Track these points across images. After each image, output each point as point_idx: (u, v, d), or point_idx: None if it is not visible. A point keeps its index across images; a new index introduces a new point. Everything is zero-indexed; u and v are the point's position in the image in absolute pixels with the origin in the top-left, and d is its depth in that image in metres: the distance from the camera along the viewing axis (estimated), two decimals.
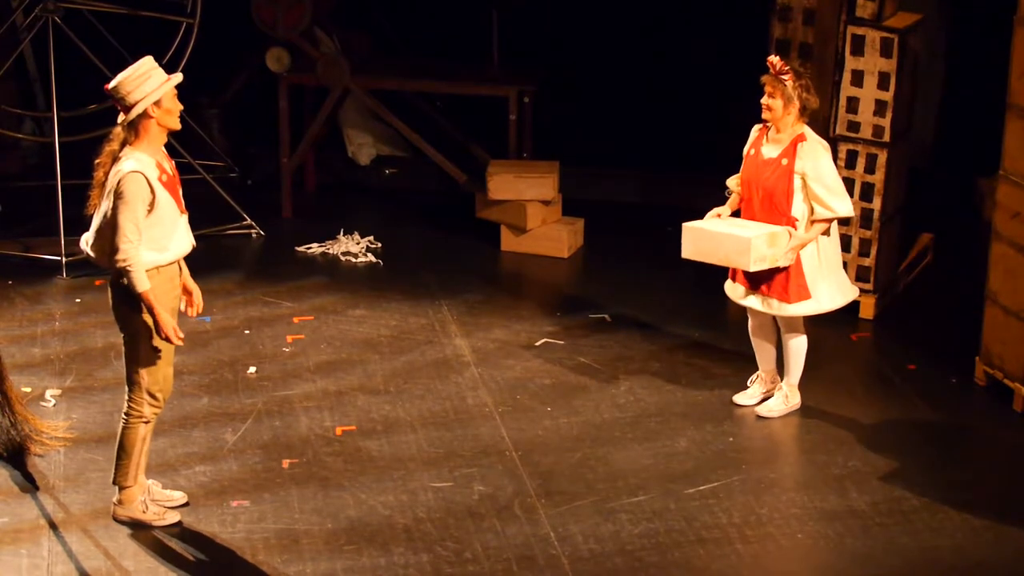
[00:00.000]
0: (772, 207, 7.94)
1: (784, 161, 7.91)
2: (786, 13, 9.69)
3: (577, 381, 8.81)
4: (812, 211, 7.92)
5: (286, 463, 7.86)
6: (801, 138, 7.92)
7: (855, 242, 9.51)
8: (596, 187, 11.81)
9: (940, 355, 9.07)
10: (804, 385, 8.49)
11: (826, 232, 8.00)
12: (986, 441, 8.18)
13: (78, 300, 9.85)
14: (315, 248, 10.84)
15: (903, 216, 9.89)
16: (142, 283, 6.79)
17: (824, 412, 8.42)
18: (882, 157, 9.37)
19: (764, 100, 7.92)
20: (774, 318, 8.23)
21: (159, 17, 11.29)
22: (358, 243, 10.86)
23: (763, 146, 8.02)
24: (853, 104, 9.36)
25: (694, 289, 9.91)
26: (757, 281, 8.03)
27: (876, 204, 9.43)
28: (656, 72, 12.34)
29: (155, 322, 6.87)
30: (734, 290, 8.21)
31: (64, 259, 10.25)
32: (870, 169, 9.40)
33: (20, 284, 10.11)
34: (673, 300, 9.88)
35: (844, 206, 7.94)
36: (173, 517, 7.29)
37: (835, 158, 9.47)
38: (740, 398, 8.47)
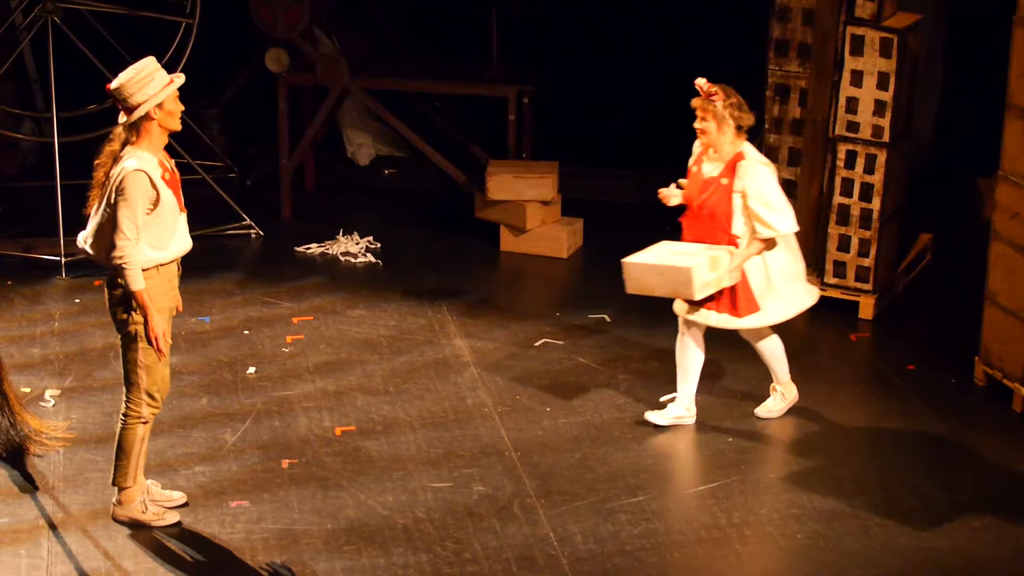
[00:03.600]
0: (713, 225, 7.81)
1: (724, 181, 7.77)
2: (785, 13, 9.69)
3: (577, 381, 8.81)
4: (754, 230, 7.76)
5: (285, 463, 7.86)
6: (740, 157, 7.77)
7: (855, 242, 9.51)
8: (596, 187, 11.81)
9: (940, 355, 9.07)
10: (804, 385, 8.49)
11: (770, 248, 7.82)
12: (986, 441, 8.17)
13: (77, 300, 9.85)
14: (314, 248, 10.84)
15: (903, 216, 9.89)
16: (137, 281, 6.79)
17: (824, 412, 8.42)
18: (881, 157, 9.37)
19: (697, 124, 7.79)
20: (703, 335, 8.11)
21: (159, 17, 11.29)
22: (357, 243, 10.86)
23: (704, 163, 7.91)
24: (852, 104, 9.36)
25: None
26: (705, 298, 7.87)
27: (875, 204, 9.43)
28: (655, 72, 12.34)
29: (145, 322, 6.86)
30: (680, 306, 8.04)
31: (63, 259, 10.26)
32: (869, 169, 9.40)
33: (19, 284, 10.11)
34: (672, 300, 9.84)
35: (784, 223, 7.75)
36: (172, 517, 7.29)
37: (834, 158, 9.48)
38: (651, 416, 8.26)
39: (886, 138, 9.33)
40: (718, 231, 7.82)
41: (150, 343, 6.91)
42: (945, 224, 10.77)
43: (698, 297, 7.72)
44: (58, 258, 10.30)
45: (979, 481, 7.73)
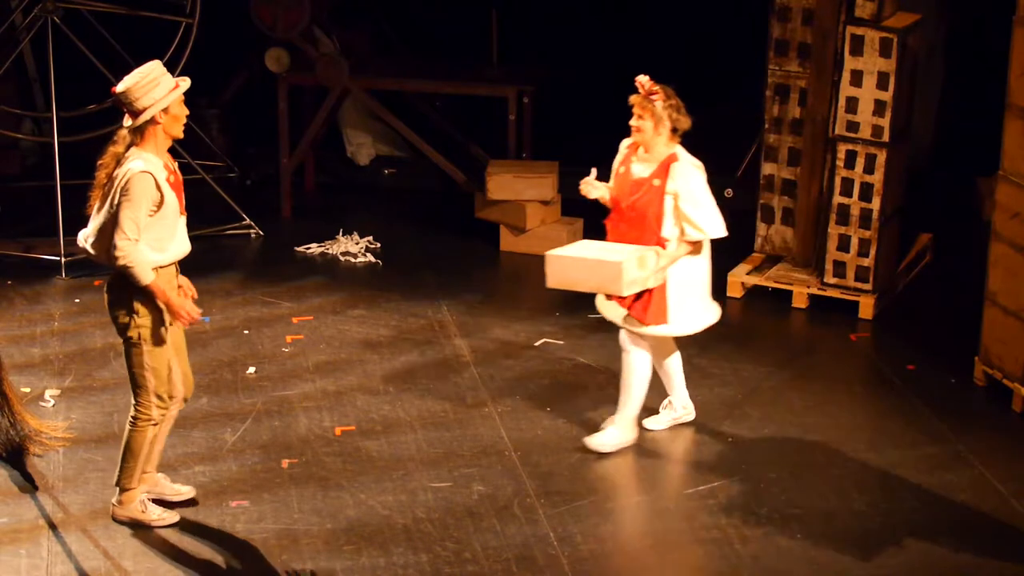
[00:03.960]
0: (642, 227, 7.66)
1: (656, 182, 7.63)
2: (785, 13, 9.70)
3: (577, 381, 8.81)
4: (683, 232, 7.63)
5: (285, 463, 7.86)
6: (673, 158, 7.64)
7: (855, 242, 9.51)
8: None
9: (939, 355, 9.07)
10: (804, 385, 8.48)
11: (696, 252, 7.73)
12: (985, 441, 8.18)
13: (77, 300, 9.85)
14: (314, 248, 10.84)
15: (902, 216, 9.89)
16: (146, 276, 6.77)
17: (824, 412, 8.42)
18: (881, 157, 9.37)
19: (633, 122, 7.64)
20: (674, 340, 8.03)
21: (159, 17, 11.29)
22: (357, 243, 10.86)
23: (633, 164, 7.76)
24: (852, 104, 9.36)
25: None
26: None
27: (875, 204, 9.43)
28: (655, 72, 12.33)
29: (168, 307, 6.85)
30: (600, 302, 7.91)
31: (63, 259, 10.26)
32: (869, 169, 9.40)
33: (19, 284, 10.11)
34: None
35: (715, 227, 7.66)
36: (172, 517, 7.28)
37: (834, 158, 9.49)
38: (650, 423, 8.21)
39: (886, 138, 9.34)
40: (647, 233, 7.65)
41: (184, 320, 6.90)
42: (945, 224, 10.77)
43: (625, 294, 7.56)
44: (58, 258, 10.30)
45: (979, 481, 7.73)
